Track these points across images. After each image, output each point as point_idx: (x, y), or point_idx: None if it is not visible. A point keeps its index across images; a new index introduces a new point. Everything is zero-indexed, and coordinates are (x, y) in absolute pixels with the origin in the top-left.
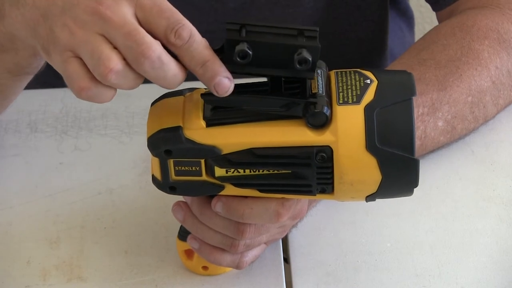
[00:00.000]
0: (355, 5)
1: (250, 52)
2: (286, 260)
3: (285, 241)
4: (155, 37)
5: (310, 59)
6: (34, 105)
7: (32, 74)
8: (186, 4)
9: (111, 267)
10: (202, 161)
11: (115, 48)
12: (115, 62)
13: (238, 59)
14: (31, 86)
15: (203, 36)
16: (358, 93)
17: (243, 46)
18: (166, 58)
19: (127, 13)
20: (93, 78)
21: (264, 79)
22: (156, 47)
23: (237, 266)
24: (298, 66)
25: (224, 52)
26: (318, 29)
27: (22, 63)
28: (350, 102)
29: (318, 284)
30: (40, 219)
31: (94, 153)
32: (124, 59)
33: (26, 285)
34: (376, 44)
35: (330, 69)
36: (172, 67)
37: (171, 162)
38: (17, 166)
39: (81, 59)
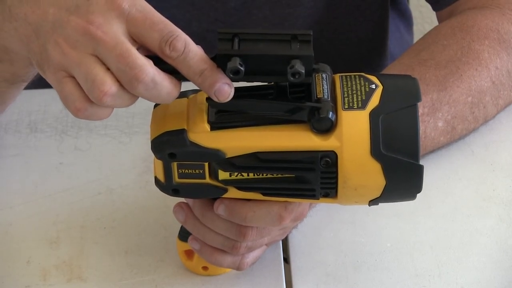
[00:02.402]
0: (355, 5)
1: (242, 69)
2: (286, 260)
3: (285, 241)
4: (149, 50)
5: (303, 71)
6: (34, 105)
7: (28, 81)
8: (187, 4)
9: (111, 267)
10: (206, 164)
11: (108, 69)
12: (109, 86)
13: (231, 75)
14: (31, 86)
15: (204, 35)
16: (363, 98)
17: (235, 63)
18: (159, 78)
19: (118, 31)
20: (88, 98)
21: None
22: (149, 70)
23: (238, 268)
24: (291, 78)
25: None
26: (311, 33)
27: (18, 72)
28: (355, 107)
29: (318, 284)
30: (40, 219)
31: (94, 153)
32: (118, 80)
33: (26, 285)
34: (376, 44)
35: (331, 69)
36: (166, 86)
37: (174, 165)
38: (17, 166)
39: (75, 78)
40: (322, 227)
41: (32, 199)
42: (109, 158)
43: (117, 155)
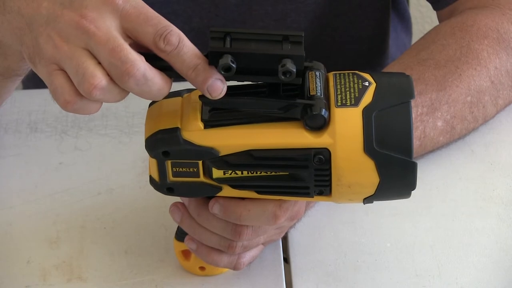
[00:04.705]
0: (357, 3)
1: (234, 66)
2: (286, 260)
3: (285, 241)
4: (142, 47)
5: (294, 70)
6: (34, 105)
7: (23, 75)
8: (187, 0)
9: (111, 267)
10: (200, 162)
11: (100, 63)
12: (99, 79)
13: (222, 72)
14: (31, 86)
15: (204, 31)
16: (357, 95)
17: (227, 60)
18: (150, 74)
19: (111, 26)
20: (78, 92)
21: None
22: (140, 65)
23: (235, 267)
24: (282, 77)
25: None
26: (303, 34)
27: (12, 66)
28: (348, 104)
29: (318, 284)
30: (40, 219)
31: (94, 153)
32: (109, 74)
33: (26, 285)
34: (377, 43)
35: (330, 66)
36: (156, 82)
37: (168, 163)
38: (17, 166)
39: (66, 72)
40: (322, 227)
41: (32, 199)
42: (109, 158)
43: (117, 155)
